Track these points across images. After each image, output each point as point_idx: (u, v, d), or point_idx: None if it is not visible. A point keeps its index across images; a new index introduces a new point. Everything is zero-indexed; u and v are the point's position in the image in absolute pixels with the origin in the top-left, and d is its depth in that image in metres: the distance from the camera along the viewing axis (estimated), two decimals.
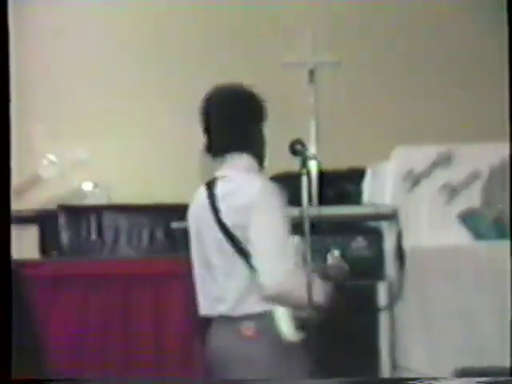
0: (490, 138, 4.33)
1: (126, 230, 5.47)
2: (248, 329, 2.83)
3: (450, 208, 4.45)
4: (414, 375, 3.96)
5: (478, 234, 4.42)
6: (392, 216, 4.21)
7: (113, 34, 6.49)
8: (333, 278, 2.94)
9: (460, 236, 4.41)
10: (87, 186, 6.21)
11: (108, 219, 5.52)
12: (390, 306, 4.12)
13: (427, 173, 4.46)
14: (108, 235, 5.52)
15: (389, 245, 4.20)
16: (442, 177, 4.47)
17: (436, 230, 4.42)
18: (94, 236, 5.58)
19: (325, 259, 3.02)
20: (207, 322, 2.97)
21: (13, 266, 2.97)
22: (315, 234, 2.79)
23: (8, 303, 2.58)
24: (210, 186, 2.96)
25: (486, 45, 6.05)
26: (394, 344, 4.19)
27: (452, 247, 4.36)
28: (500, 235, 4.33)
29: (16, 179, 3.35)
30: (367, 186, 4.72)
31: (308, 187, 2.84)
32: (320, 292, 2.82)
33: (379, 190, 4.61)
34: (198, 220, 2.98)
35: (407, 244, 4.18)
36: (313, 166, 3.13)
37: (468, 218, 4.43)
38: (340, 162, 5.68)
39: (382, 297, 4.16)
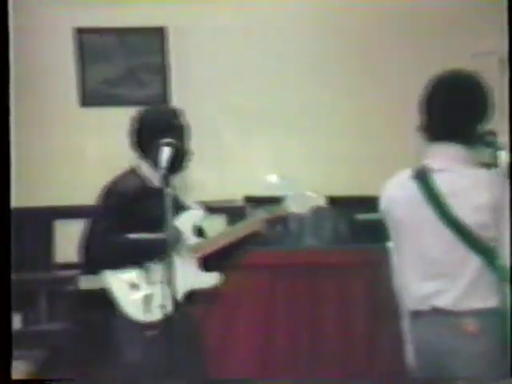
0: None
1: (310, 220, 5.50)
2: (470, 325, 2.77)
3: None
4: None
5: None
6: None
7: None
8: None
9: None
10: (272, 178, 6.29)
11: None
12: None
13: None
14: (293, 226, 5.59)
15: None
16: None
17: None
18: (279, 226, 5.67)
19: None
20: (414, 315, 2.90)
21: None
22: None
23: (8, 303, 2.57)
24: (422, 176, 2.87)
25: None
26: None
27: None
28: None
29: None
30: None
31: None
32: None
33: None
34: (407, 211, 2.90)
35: None
36: (504, 156, 3.05)
37: None
38: None
39: None
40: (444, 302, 2.79)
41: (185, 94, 6.52)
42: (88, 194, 6.54)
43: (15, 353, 5.82)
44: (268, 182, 6.34)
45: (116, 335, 3.58)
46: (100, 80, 6.60)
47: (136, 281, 3.55)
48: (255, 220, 3.68)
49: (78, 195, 6.45)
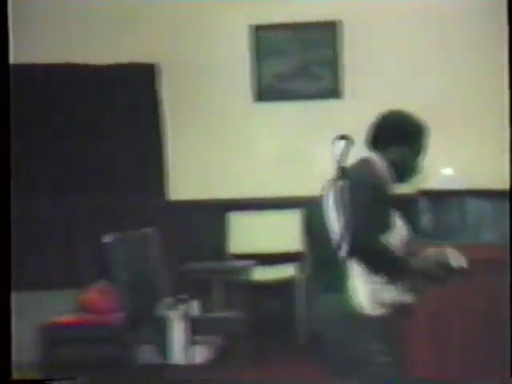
0: None
1: (489, 215, 5.40)
2: None
3: None
4: None
5: None
6: None
7: None
8: None
9: None
10: (448, 172, 6.22)
11: (469, 203, 5.51)
12: None
13: None
14: (471, 219, 5.50)
15: None
16: None
17: None
18: (454, 220, 5.59)
19: None
20: None
21: None
22: None
23: (8, 302, 2.54)
24: None
25: None
26: None
27: None
28: None
29: None
30: None
31: None
32: None
33: None
34: None
35: None
36: None
37: None
38: None
39: None
40: None
41: (357, 89, 6.54)
42: (260, 188, 6.72)
43: (195, 338, 6.06)
44: (443, 176, 6.29)
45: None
46: (273, 75, 6.70)
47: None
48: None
49: (251, 188, 6.61)
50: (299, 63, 6.65)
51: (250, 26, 6.63)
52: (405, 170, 3.55)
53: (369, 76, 6.54)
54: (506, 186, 5.55)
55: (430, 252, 3.44)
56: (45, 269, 6.61)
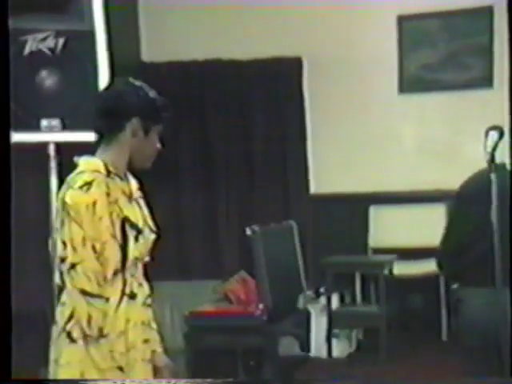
0: None
1: None
2: None
3: None
4: None
5: None
6: None
7: None
8: None
9: None
10: None
11: None
12: None
13: None
14: None
15: None
16: None
17: None
18: None
19: None
20: None
21: None
22: None
23: (8, 302, 2.47)
24: None
25: None
26: None
27: None
28: None
29: None
30: None
31: None
32: None
33: None
34: None
35: None
36: None
37: None
38: None
39: None
40: None
41: (508, 77, 6.35)
42: (405, 181, 6.63)
43: (334, 331, 6.01)
44: None
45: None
46: (419, 66, 6.59)
47: None
48: None
49: (396, 182, 6.52)
50: (447, 53, 6.50)
51: (398, 17, 6.55)
52: None
53: None
54: None
55: None
56: (188, 259, 6.74)
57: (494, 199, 3.23)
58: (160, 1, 6.83)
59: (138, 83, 2.93)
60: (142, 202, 2.95)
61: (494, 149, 3.40)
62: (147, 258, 2.92)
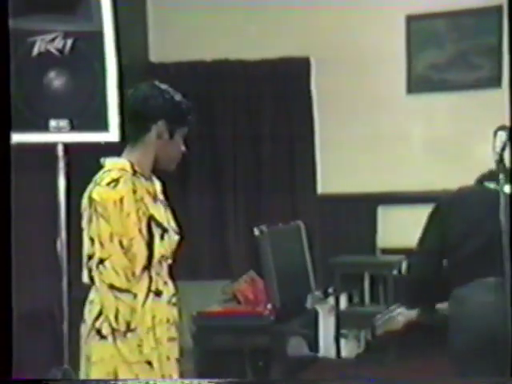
0: None
1: None
2: None
3: None
4: None
5: None
6: None
7: None
8: None
9: None
10: None
11: None
12: None
13: None
14: None
15: None
16: None
17: None
18: None
19: None
20: None
21: None
22: None
23: (9, 302, 2.48)
24: None
25: None
26: None
27: None
28: None
29: None
30: None
31: None
32: None
33: None
34: None
35: None
36: None
37: None
38: None
39: None
40: None
41: None
42: (414, 181, 6.61)
43: (342, 332, 6.01)
44: None
45: None
46: (427, 66, 6.58)
47: None
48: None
49: (403, 182, 6.51)
50: (455, 52, 6.48)
51: (407, 16, 6.53)
52: None
53: None
54: None
55: None
56: (196, 260, 6.74)
57: (503, 203, 3.21)
58: (168, 1, 6.83)
59: (163, 86, 3.00)
60: (165, 203, 3.01)
61: (503, 149, 3.40)
62: (170, 260, 2.94)
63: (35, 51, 3.40)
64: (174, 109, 2.97)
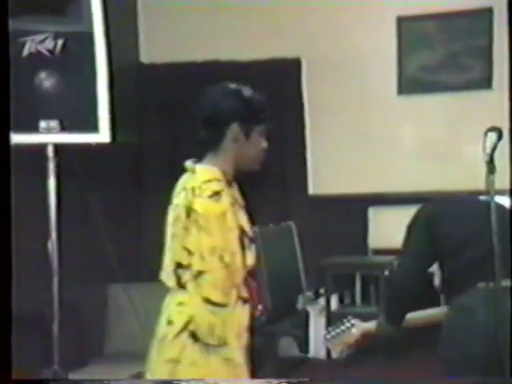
0: None
1: None
2: None
3: None
4: None
5: None
6: None
7: None
8: None
9: None
10: None
11: None
12: None
13: None
14: None
15: None
16: None
17: None
18: None
19: None
20: None
21: None
22: None
23: (8, 303, 2.48)
24: None
25: None
26: None
27: None
28: None
29: None
30: None
31: None
32: None
33: None
34: None
35: None
36: None
37: None
38: None
39: None
40: None
41: (508, 78, 6.35)
42: (405, 182, 6.62)
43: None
44: None
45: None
46: (418, 67, 6.59)
47: None
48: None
49: (394, 183, 6.52)
50: (446, 54, 6.49)
51: (398, 18, 6.53)
52: None
53: None
54: None
55: None
56: None
57: (493, 208, 3.21)
58: (159, 2, 6.83)
59: (232, 87, 2.94)
60: (243, 206, 2.97)
61: (493, 150, 3.40)
62: None
63: (25, 52, 3.40)
64: (246, 108, 2.91)
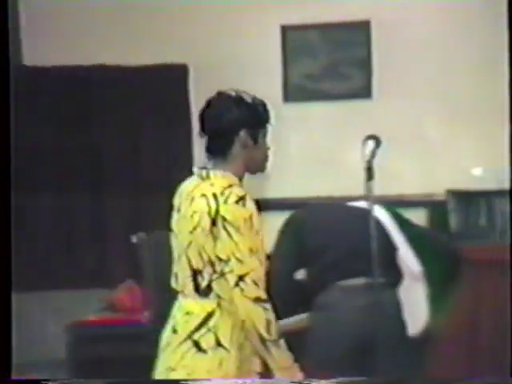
0: None
1: None
2: None
3: None
4: None
5: None
6: None
7: None
8: None
9: None
10: (477, 171, 6.19)
11: (498, 204, 5.48)
12: None
13: None
14: (498, 220, 5.48)
15: None
16: None
17: None
18: (483, 221, 5.57)
19: None
20: None
21: None
22: None
23: (8, 303, 2.56)
24: None
25: None
26: None
27: None
28: None
29: None
30: None
31: None
32: None
33: None
34: None
35: None
36: None
37: None
38: None
39: None
40: None
41: (387, 88, 6.52)
42: (291, 188, 6.71)
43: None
44: (473, 175, 6.25)
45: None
46: (302, 75, 6.70)
47: None
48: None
49: (281, 188, 6.60)
50: (328, 63, 6.63)
51: (282, 27, 6.63)
52: None
53: (399, 76, 6.52)
54: None
55: None
56: (73, 269, 6.66)
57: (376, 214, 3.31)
58: (43, 3, 6.72)
59: (233, 95, 3.00)
60: None
61: (372, 157, 3.51)
62: None
63: None
64: (252, 115, 3.03)
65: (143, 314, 5.31)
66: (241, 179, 3.03)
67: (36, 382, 2.91)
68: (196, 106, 6.73)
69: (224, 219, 2.80)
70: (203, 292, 2.84)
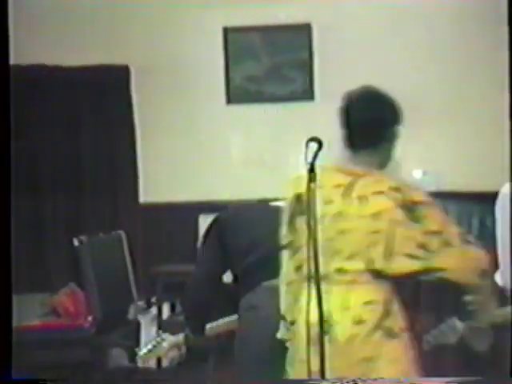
0: None
1: (455, 217, 5.45)
2: None
3: None
4: None
5: None
6: None
7: None
8: None
9: None
10: (417, 174, 6.26)
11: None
12: None
13: None
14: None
15: None
16: None
17: None
18: None
19: None
20: None
21: None
22: None
23: (8, 303, 2.57)
24: None
25: None
26: None
27: None
28: None
29: None
30: None
31: None
32: None
33: None
34: None
35: None
36: None
37: None
38: None
39: None
40: None
41: (329, 90, 6.55)
42: (233, 190, 6.71)
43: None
44: (413, 178, 6.31)
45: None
46: (245, 78, 6.70)
47: None
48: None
49: (224, 191, 6.59)
50: (271, 66, 6.65)
51: (224, 28, 6.63)
52: None
53: (341, 78, 6.55)
54: (472, 188, 5.59)
55: None
56: (13, 272, 6.56)
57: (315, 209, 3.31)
58: None
59: (375, 90, 3.03)
60: None
61: (314, 159, 3.49)
62: None
63: None
64: (396, 110, 3.02)
65: (86, 318, 5.26)
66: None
67: (36, 382, 2.88)
68: (139, 108, 6.71)
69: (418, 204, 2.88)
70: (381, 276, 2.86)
